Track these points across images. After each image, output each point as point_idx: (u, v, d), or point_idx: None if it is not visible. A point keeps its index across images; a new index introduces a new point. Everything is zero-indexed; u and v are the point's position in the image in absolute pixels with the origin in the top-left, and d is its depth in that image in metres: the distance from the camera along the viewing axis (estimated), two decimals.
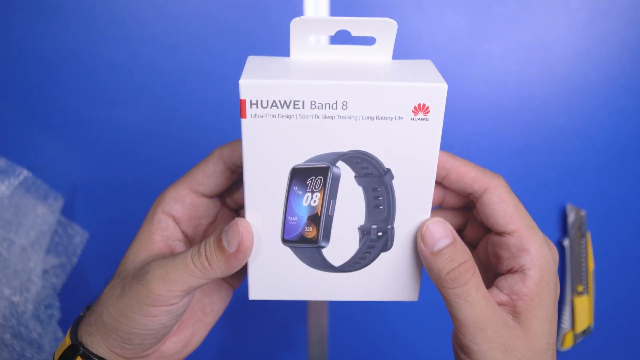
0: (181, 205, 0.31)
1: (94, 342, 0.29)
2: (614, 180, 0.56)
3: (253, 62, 0.28)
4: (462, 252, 0.27)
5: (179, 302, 0.28)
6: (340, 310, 0.58)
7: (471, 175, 0.29)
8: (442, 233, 0.27)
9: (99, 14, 0.52)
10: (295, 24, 0.27)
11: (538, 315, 0.27)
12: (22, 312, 0.50)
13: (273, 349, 0.60)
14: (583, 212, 0.56)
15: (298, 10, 0.53)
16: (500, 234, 0.29)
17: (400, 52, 0.51)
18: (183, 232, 0.32)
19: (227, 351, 0.59)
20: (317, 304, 0.57)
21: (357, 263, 0.29)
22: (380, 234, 0.29)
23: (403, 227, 0.29)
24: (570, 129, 0.55)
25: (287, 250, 0.29)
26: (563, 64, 0.54)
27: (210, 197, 0.32)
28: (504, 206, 0.28)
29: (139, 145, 0.54)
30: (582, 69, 0.54)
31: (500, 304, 0.28)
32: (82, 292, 0.56)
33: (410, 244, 0.29)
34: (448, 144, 0.55)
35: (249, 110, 0.26)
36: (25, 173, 0.52)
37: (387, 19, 0.26)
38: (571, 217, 0.56)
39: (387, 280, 0.30)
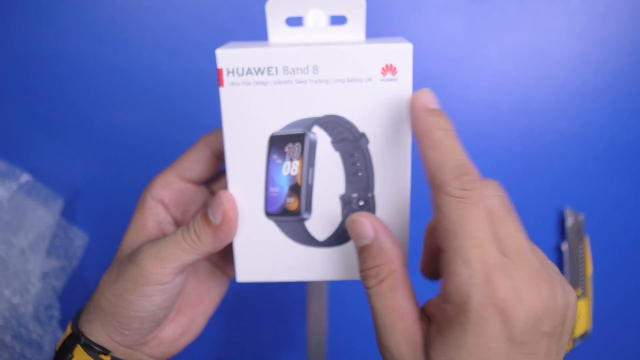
0: (169, 190, 0.32)
1: (93, 330, 0.30)
2: (612, 184, 0.56)
3: (231, 42, 0.29)
4: (377, 255, 0.25)
5: (173, 280, 0.29)
6: (340, 308, 0.58)
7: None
8: (362, 232, 0.26)
9: (98, 17, 0.52)
10: (270, 5, 0.28)
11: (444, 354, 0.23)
12: (22, 314, 0.50)
13: (272, 346, 0.60)
14: (581, 216, 0.56)
15: (299, 17, 0.53)
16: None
17: None
18: (172, 217, 0.32)
19: (226, 349, 0.60)
20: (316, 302, 0.58)
21: (341, 236, 0.29)
22: (361, 203, 0.29)
23: (384, 195, 0.28)
24: (568, 132, 0.55)
25: (271, 226, 0.29)
26: (561, 67, 0.54)
27: (197, 183, 0.33)
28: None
29: (140, 148, 0.55)
30: (580, 72, 0.54)
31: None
32: (82, 294, 0.56)
33: (393, 213, 0.29)
34: None
35: (226, 79, 0.27)
36: (26, 176, 0.53)
37: None
38: (569, 221, 0.56)
39: None
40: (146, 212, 0.31)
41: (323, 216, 0.29)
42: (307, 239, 0.29)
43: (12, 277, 0.50)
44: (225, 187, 0.33)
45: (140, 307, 0.28)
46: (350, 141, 0.28)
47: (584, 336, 0.57)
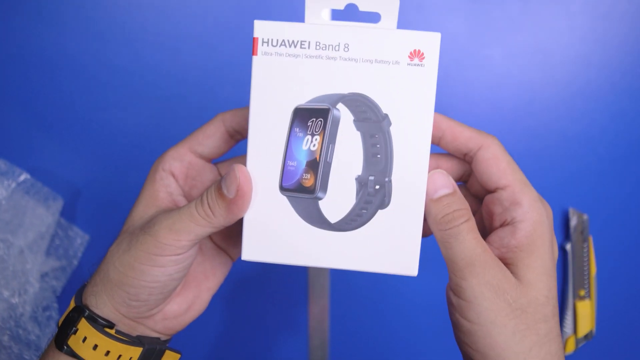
0: (180, 162, 0.32)
1: (99, 301, 0.29)
2: (616, 184, 0.56)
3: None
4: (459, 201, 0.28)
5: (186, 252, 0.29)
6: (342, 299, 0.58)
7: (465, 135, 0.30)
8: (443, 183, 0.28)
9: (99, 16, 0.52)
10: None
11: (531, 266, 0.28)
12: (21, 314, 0.50)
13: (273, 332, 0.59)
14: (585, 216, 0.55)
15: (299, 15, 0.53)
16: (494, 190, 0.30)
17: None
18: (181, 189, 0.32)
19: (228, 333, 0.59)
20: (318, 290, 0.57)
21: (353, 220, 0.29)
22: (377, 186, 0.28)
23: (400, 184, 0.28)
24: (571, 132, 0.55)
25: (284, 205, 0.29)
26: (564, 67, 0.54)
27: (207, 159, 0.33)
28: (496, 162, 0.29)
29: (140, 148, 0.54)
30: (583, 72, 0.54)
31: None
32: None
33: (408, 201, 0.29)
34: None
35: (260, 48, 0.28)
36: (25, 175, 0.52)
37: None
38: (573, 221, 0.55)
39: (384, 246, 0.29)
40: (157, 183, 0.32)
41: (337, 198, 0.29)
42: (319, 220, 0.29)
43: (10, 277, 0.49)
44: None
45: (151, 277, 0.28)
46: (372, 121, 0.28)
47: (587, 337, 0.57)
